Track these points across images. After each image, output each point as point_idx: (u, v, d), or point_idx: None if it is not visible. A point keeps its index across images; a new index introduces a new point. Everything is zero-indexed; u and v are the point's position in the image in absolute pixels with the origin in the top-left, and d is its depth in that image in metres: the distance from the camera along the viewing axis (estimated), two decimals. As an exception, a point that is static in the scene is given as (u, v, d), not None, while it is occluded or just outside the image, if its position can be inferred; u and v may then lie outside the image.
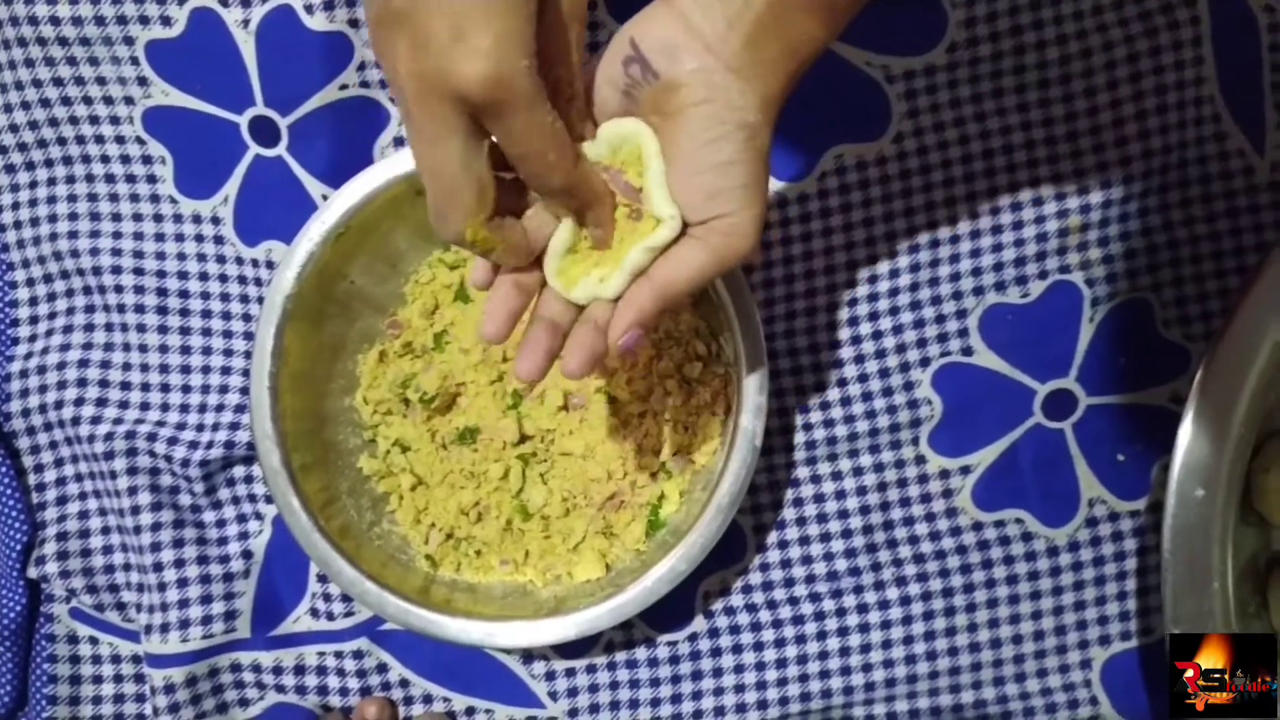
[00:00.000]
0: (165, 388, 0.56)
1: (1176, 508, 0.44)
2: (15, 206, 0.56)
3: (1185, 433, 0.45)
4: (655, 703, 0.55)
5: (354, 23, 0.53)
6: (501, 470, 0.53)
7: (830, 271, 0.55)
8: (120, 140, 0.56)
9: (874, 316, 0.55)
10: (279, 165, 0.55)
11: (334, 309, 0.53)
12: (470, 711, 0.56)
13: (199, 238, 0.56)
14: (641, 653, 0.55)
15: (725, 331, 0.50)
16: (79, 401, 0.55)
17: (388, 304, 0.55)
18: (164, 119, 0.55)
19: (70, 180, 0.56)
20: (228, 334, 0.56)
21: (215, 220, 0.56)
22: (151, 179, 0.56)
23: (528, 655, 0.55)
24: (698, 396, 0.53)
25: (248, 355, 0.55)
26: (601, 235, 0.39)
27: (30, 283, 0.57)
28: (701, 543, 0.48)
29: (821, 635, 0.54)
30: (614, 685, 0.55)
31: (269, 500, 0.55)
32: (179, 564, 0.54)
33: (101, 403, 0.56)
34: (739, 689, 0.55)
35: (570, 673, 0.55)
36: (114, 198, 0.56)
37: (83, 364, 0.56)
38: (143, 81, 0.55)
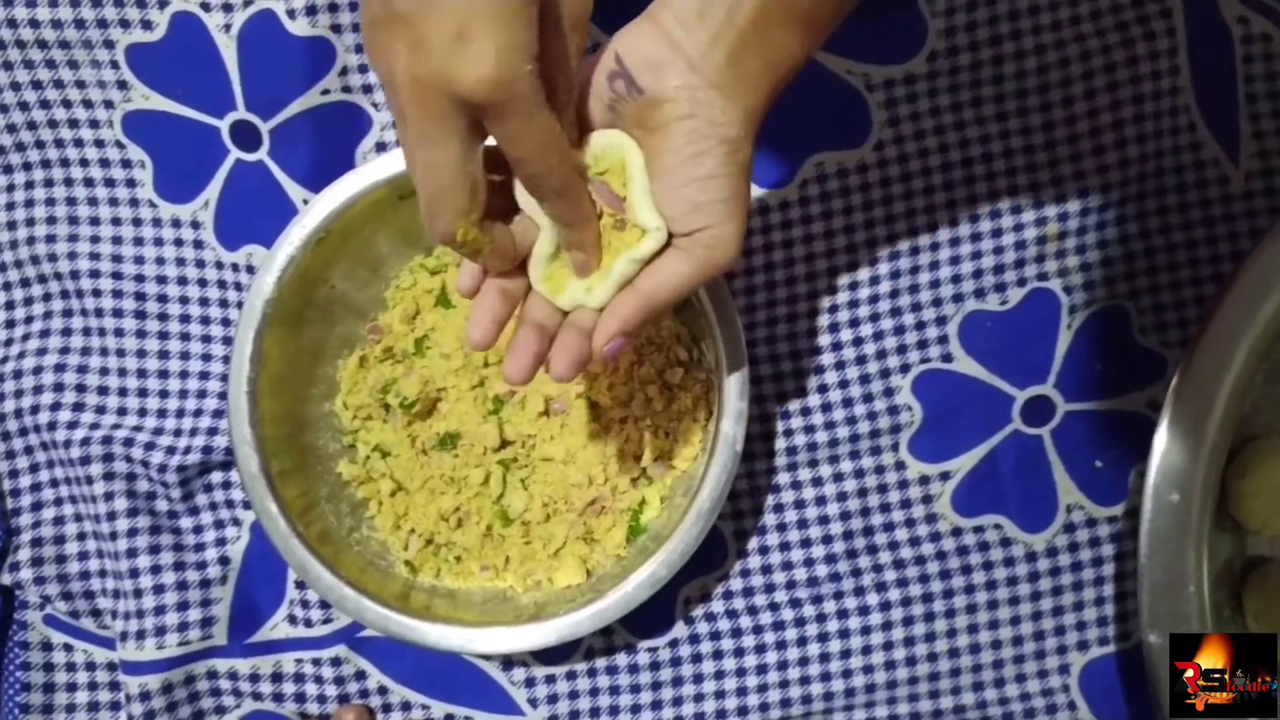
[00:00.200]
0: (143, 393, 0.56)
1: (1153, 513, 0.45)
2: (-7, 210, 0.56)
3: (1161, 439, 0.45)
4: (636, 709, 0.55)
5: (336, 28, 0.53)
6: (482, 476, 0.53)
7: (811, 278, 0.55)
8: (100, 144, 0.56)
9: (854, 323, 0.55)
10: (260, 170, 0.55)
11: (314, 314, 0.53)
12: (449, 719, 0.55)
13: (179, 242, 0.56)
14: (622, 659, 0.55)
15: (707, 337, 0.50)
16: (55, 406, 0.55)
17: (369, 309, 0.55)
18: (144, 123, 0.55)
19: (49, 184, 0.56)
20: (206, 339, 0.56)
21: (195, 225, 0.56)
22: (131, 183, 0.56)
23: (507, 662, 0.55)
24: (679, 402, 0.53)
25: (226, 360, 0.54)
26: (584, 261, 0.39)
27: (7, 286, 0.56)
28: (682, 548, 0.48)
29: (802, 641, 0.54)
30: (594, 692, 0.55)
31: (247, 506, 0.55)
32: (155, 570, 0.54)
33: (78, 408, 0.55)
34: (720, 695, 0.55)
35: (550, 679, 0.55)
36: (93, 201, 0.56)
37: (60, 369, 0.55)
38: (123, 85, 0.55)
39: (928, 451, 0.55)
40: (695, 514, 0.48)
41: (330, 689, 0.55)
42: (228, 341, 0.55)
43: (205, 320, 0.56)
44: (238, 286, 0.55)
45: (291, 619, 0.55)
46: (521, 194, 0.39)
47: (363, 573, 0.51)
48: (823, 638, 0.54)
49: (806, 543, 0.55)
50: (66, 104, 0.55)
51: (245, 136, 0.55)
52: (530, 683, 0.55)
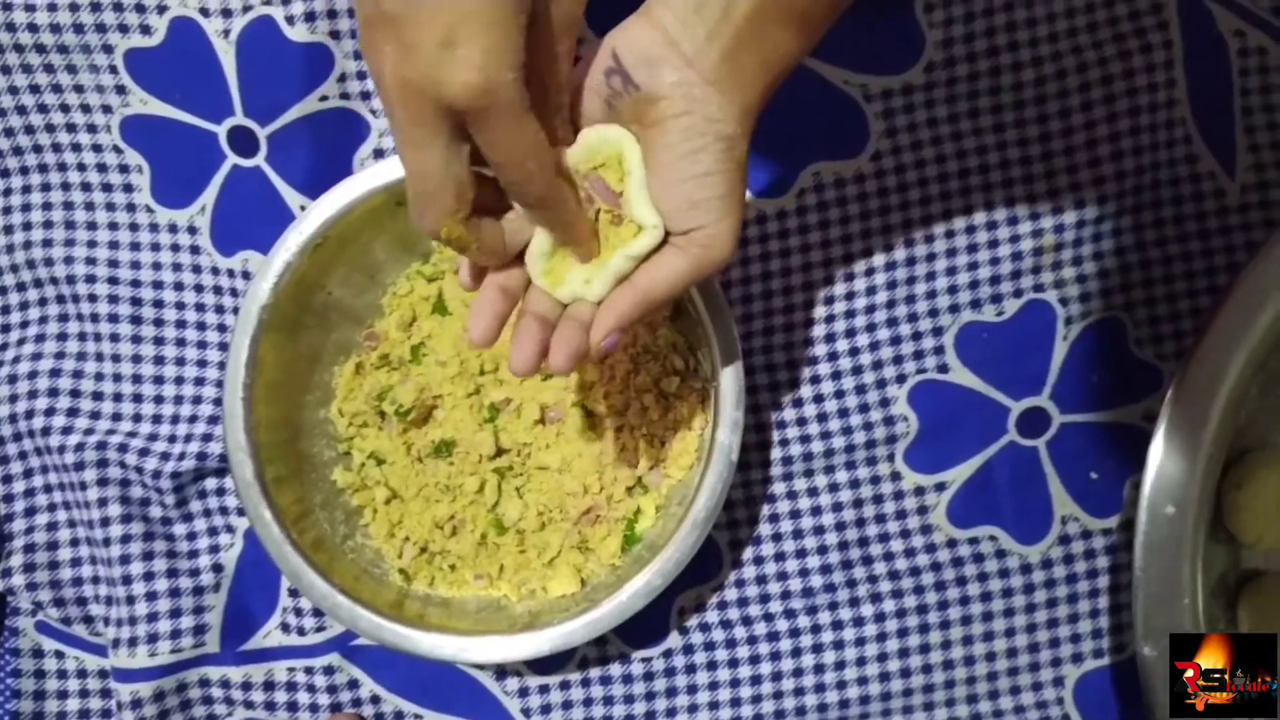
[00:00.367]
0: (138, 398, 0.55)
1: (1148, 525, 0.45)
2: (-11, 214, 0.56)
3: (1157, 450, 0.45)
4: None
5: (335, 34, 0.53)
6: (477, 484, 0.53)
7: (808, 288, 0.55)
8: (97, 149, 0.55)
9: (851, 333, 0.55)
10: (257, 175, 0.55)
11: (311, 320, 0.52)
12: (443, 728, 0.55)
13: (175, 247, 0.56)
14: (616, 669, 0.55)
15: (703, 347, 0.50)
16: (50, 411, 0.55)
17: (365, 315, 0.55)
18: (142, 128, 0.55)
19: (46, 188, 0.56)
20: (202, 344, 0.55)
21: (192, 230, 0.55)
22: (128, 188, 0.56)
23: (501, 671, 0.55)
24: (675, 411, 0.53)
25: (222, 366, 0.54)
26: (583, 252, 0.39)
27: (3, 291, 0.56)
28: (677, 558, 0.48)
29: (796, 653, 0.54)
30: (588, 702, 0.55)
31: (241, 513, 0.55)
32: (148, 577, 0.54)
33: (73, 413, 0.55)
34: (713, 706, 0.54)
35: (544, 689, 0.55)
36: (90, 206, 0.56)
37: (54, 374, 0.55)
38: (121, 90, 0.55)
39: (923, 462, 0.55)
40: (690, 523, 0.48)
41: (323, 698, 0.55)
42: (223, 348, 0.55)
43: (201, 326, 0.55)
44: (233, 292, 0.55)
45: (284, 627, 0.55)
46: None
47: (356, 581, 0.50)
48: (817, 649, 0.54)
49: (802, 553, 0.55)
50: (64, 108, 0.55)
51: (243, 142, 0.55)
52: (524, 693, 0.55)
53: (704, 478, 0.48)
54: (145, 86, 0.55)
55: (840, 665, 0.54)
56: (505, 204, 0.40)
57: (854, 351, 0.55)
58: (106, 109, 0.55)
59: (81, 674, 0.55)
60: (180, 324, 0.56)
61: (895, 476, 0.55)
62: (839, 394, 0.55)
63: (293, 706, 0.55)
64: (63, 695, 0.55)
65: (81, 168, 0.56)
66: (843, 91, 0.54)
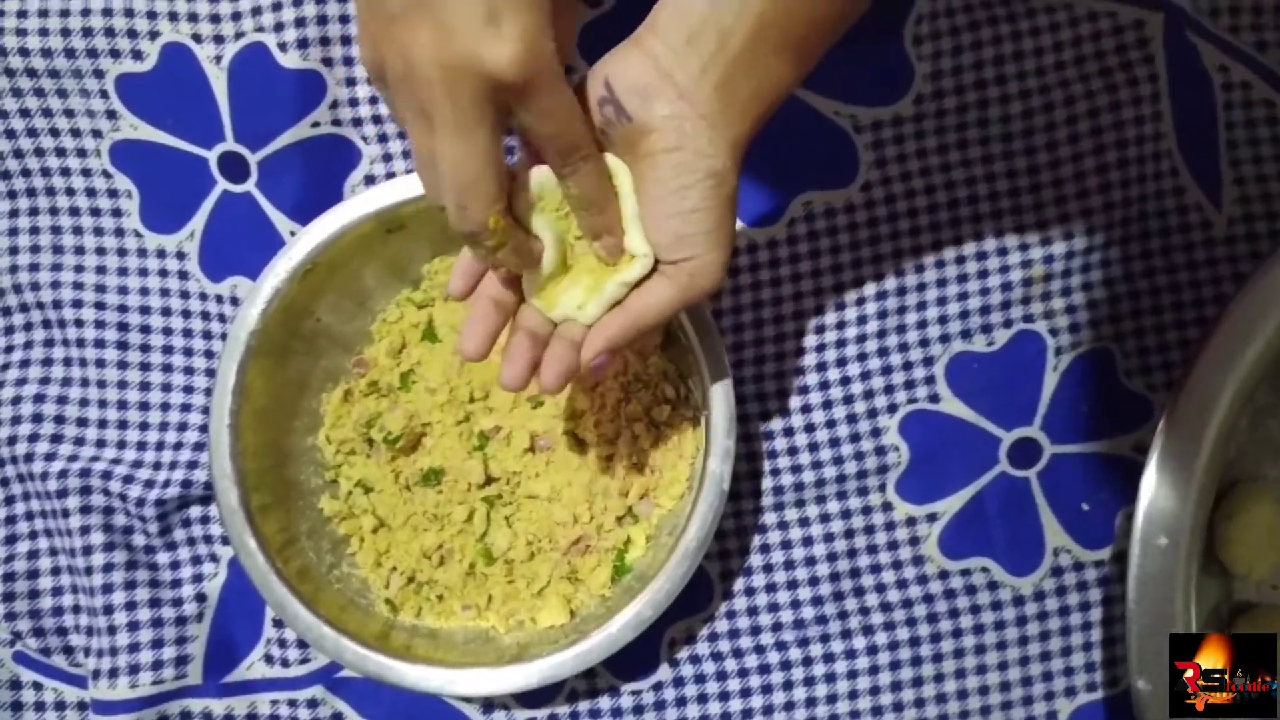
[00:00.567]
0: (123, 425, 0.55)
1: (1141, 557, 0.44)
2: (-25, 238, 0.56)
3: (1149, 482, 0.45)
4: (618, 753, 0.54)
5: (328, 61, 0.53)
6: (466, 513, 0.52)
7: (799, 317, 0.55)
8: (86, 173, 0.55)
9: (842, 363, 0.55)
10: (247, 201, 0.55)
11: (299, 346, 0.52)
12: (428, 762, 0.54)
13: (163, 272, 0.55)
14: (605, 702, 0.54)
15: (694, 375, 0.50)
16: (33, 438, 0.54)
17: (354, 342, 0.54)
18: (132, 152, 0.55)
19: (34, 212, 0.55)
20: (189, 370, 0.55)
21: (180, 255, 0.55)
22: (117, 213, 0.55)
23: (488, 704, 0.54)
24: (666, 440, 0.52)
25: (208, 393, 0.54)
26: (613, 245, 0.40)
27: (-12, 315, 0.56)
28: (668, 589, 0.48)
29: (788, 685, 0.54)
30: (576, 735, 0.54)
31: (225, 541, 0.54)
32: (130, 606, 0.53)
33: (57, 439, 0.54)
34: (704, 739, 0.54)
35: (532, 722, 0.54)
36: (78, 231, 0.55)
37: (39, 399, 0.55)
38: (112, 115, 0.55)
39: (915, 493, 0.54)
40: (681, 554, 0.48)
41: (306, 730, 0.54)
42: (210, 374, 0.55)
43: (188, 352, 0.55)
44: (221, 318, 0.55)
45: (268, 658, 0.54)
46: (527, 209, 0.39)
47: (342, 611, 0.50)
48: (809, 682, 0.54)
49: (793, 584, 0.54)
50: (54, 133, 0.55)
51: (233, 168, 0.55)
52: (511, 725, 0.54)
53: (695, 507, 0.48)
54: (136, 111, 0.55)
55: (832, 698, 0.54)
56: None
57: (845, 381, 0.55)
58: (96, 134, 0.55)
59: (60, 706, 0.54)
60: (167, 350, 0.55)
61: (887, 507, 0.54)
62: (830, 423, 0.55)
63: (275, 740, 0.54)
64: (39, 728, 0.54)
65: (70, 192, 0.55)
66: (833, 122, 0.55)
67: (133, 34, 0.54)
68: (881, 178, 0.55)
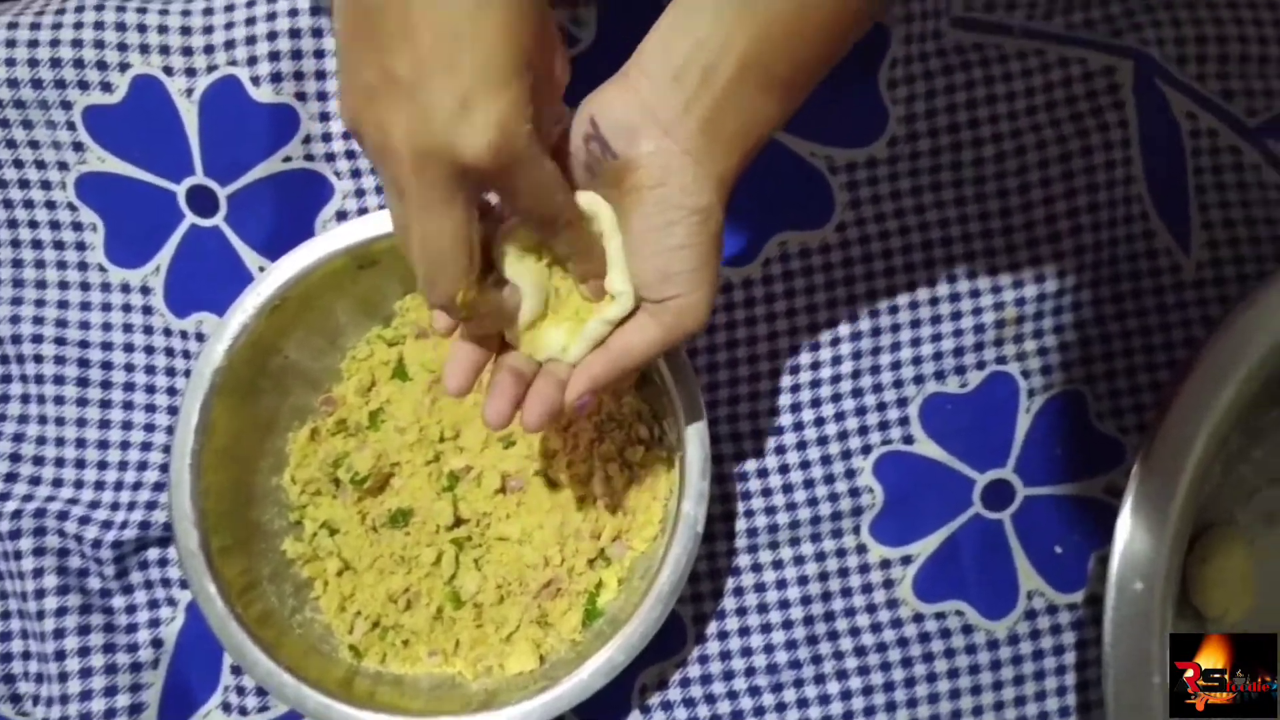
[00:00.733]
0: (80, 464, 0.53)
1: (1117, 601, 0.44)
2: (-68, 270, 0.54)
3: (1124, 525, 0.45)
4: (588, 803, 0.52)
5: (301, 96, 0.53)
6: (434, 555, 0.51)
7: (774, 357, 0.55)
8: (50, 205, 0.54)
9: (816, 403, 0.55)
10: (216, 236, 0.54)
11: (266, 383, 0.51)
12: (392, 813, 0.52)
13: (126, 307, 0.54)
14: (575, 749, 0.53)
15: (668, 415, 0.49)
16: (-13, 476, 0.52)
17: (323, 380, 0.53)
18: (98, 186, 0.54)
19: (-6, 244, 0.54)
20: (150, 408, 0.54)
21: (145, 290, 0.54)
22: (81, 246, 0.54)
23: (455, 752, 0.52)
24: (639, 481, 0.52)
25: (170, 431, 0.53)
26: (598, 287, 0.40)
27: (-57, 349, 0.54)
28: (640, 632, 0.47)
29: (762, 731, 0.53)
30: (545, 784, 0.52)
31: (184, 585, 0.52)
32: (83, 652, 0.51)
33: (11, 478, 0.53)
34: (676, 788, 0.52)
35: (499, 771, 0.52)
36: (40, 264, 0.54)
37: (-6, 436, 0.53)
38: (78, 147, 0.54)
39: (889, 534, 0.54)
40: (654, 597, 0.47)
41: (265, 781, 0.52)
42: (173, 412, 0.53)
43: (150, 389, 0.54)
44: (186, 355, 0.54)
45: (225, 706, 0.52)
46: (508, 260, 0.39)
47: (304, 657, 0.48)
48: (783, 728, 0.53)
49: (767, 628, 0.53)
50: (18, 164, 0.54)
51: (202, 202, 0.54)
52: (478, 774, 0.52)
53: (668, 550, 0.47)
54: (104, 144, 0.54)
55: (807, 746, 0.53)
56: (488, 271, 0.40)
57: (819, 422, 0.54)
58: (62, 165, 0.54)
59: (6, 756, 0.52)
60: (128, 386, 0.54)
61: (861, 549, 0.54)
62: (804, 465, 0.54)
63: (232, 791, 0.52)
64: (-16, 780, 0.52)
65: (33, 225, 0.54)
66: (809, 163, 0.55)
67: (102, 65, 0.53)
68: (856, 219, 0.55)
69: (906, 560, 0.54)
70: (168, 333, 0.54)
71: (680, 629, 0.53)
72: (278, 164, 0.53)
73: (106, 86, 0.53)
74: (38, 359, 0.53)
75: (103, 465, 0.53)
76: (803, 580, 0.54)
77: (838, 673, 0.53)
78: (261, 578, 0.50)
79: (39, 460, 0.53)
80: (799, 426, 0.54)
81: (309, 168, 0.54)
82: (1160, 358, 0.56)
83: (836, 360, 0.55)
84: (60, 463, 0.53)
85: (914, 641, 0.53)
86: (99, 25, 0.53)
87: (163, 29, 0.53)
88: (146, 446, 0.54)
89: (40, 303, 0.54)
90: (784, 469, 0.54)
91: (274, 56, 0.53)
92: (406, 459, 0.52)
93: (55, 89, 0.53)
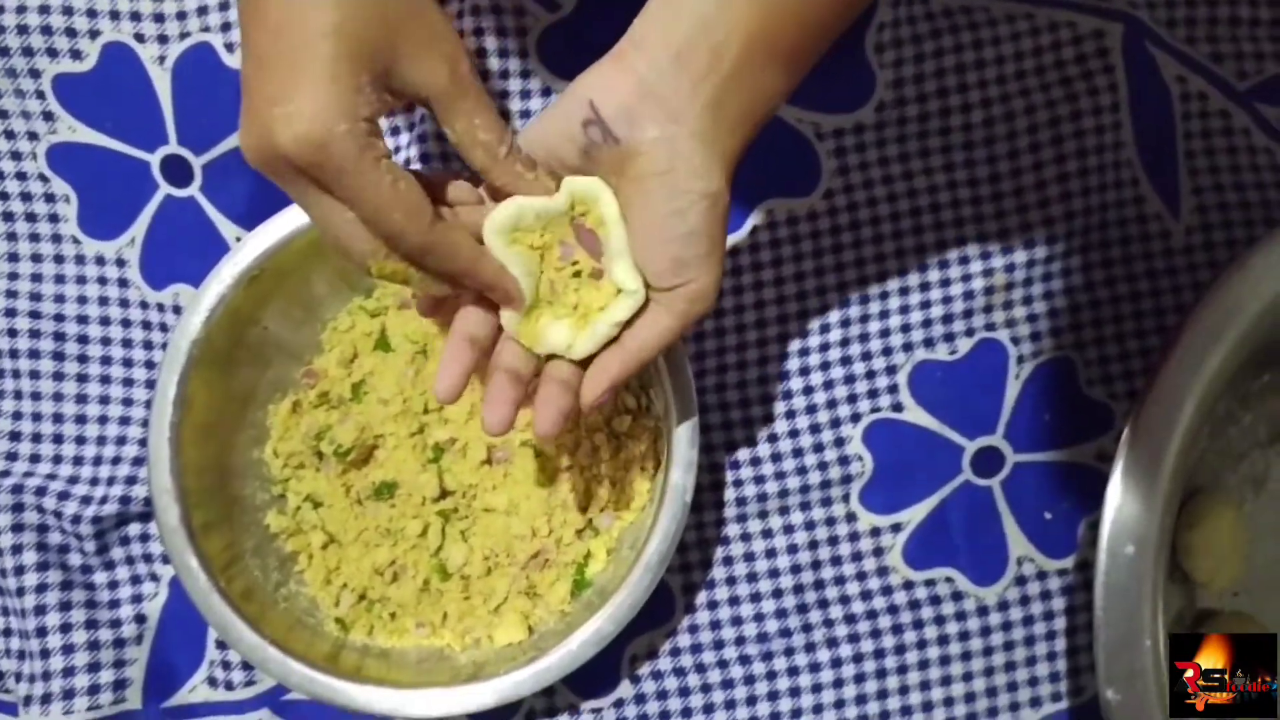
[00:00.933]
0: (58, 439, 0.53)
1: (1108, 565, 0.44)
2: (-99, 243, 0.53)
3: (1115, 490, 0.45)
4: (578, 774, 0.52)
5: (276, 62, 0.52)
6: (420, 527, 0.51)
7: (761, 325, 0.54)
8: (21, 176, 0.53)
9: (805, 371, 0.54)
10: (191, 206, 0.53)
11: (245, 356, 0.50)
12: (381, 787, 0.52)
13: (102, 280, 0.53)
14: (564, 721, 0.52)
15: (655, 385, 0.49)
16: (-38, 453, 0.52)
17: (303, 351, 0.53)
18: (70, 156, 0.53)
19: (-35, 218, 0.53)
20: (128, 382, 0.53)
21: (120, 262, 0.53)
22: (53, 218, 0.53)
23: (444, 725, 0.52)
24: (627, 451, 0.51)
25: (148, 405, 0.52)
26: (513, 315, 0.38)
27: (-85, 324, 0.53)
28: (629, 603, 0.46)
29: (751, 700, 0.53)
30: (535, 756, 0.52)
31: (166, 560, 0.52)
32: (65, 629, 0.50)
33: (-13, 453, 0.52)
34: (666, 758, 0.52)
35: (489, 743, 0.52)
36: (12, 236, 0.53)
37: (-32, 412, 0.52)
38: (48, 116, 0.52)
39: (879, 502, 0.54)
40: (643, 567, 0.47)
41: (252, 756, 0.52)
42: (150, 385, 0.53)
43: (128, 363, 0.53)
44: (163, 327, 0.53)
45: (211, 681, 0.52)
46: (494, 246, 0.38)
47: (289, 631, 0.48)
48: (773, 696, 0.53)
49: (756, 597, 0.53)
50: (-14, 134, 0.53)
51: (176, 172, 0.53)
52: (467, 747, 0.52)
53: (657, 520, 0.47)
54: (74, 113, 0.52)
55: (797, 713, 0.53)
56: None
57: (808, 390, 0.54)
58: (32, 135, 0.53)
59: (-12, 735, 0.52)
60: (105, 360, 0.53)
61: (851, 517, 0.54)
62: (793, 433, 0.54)
63: (219, 767, 0.52)
64: (-33, 759, 0.51)
65: (4, 196, 0.53)
66: (796, 130, 0.54)
67: (71, 33, 0.52)
68: (844, 185, 0.55)
69: (896, 528, 0.54)
70: (144, 305, 0.53)
71: (669, 599, 0.53)
72: (255, 132, 0.52)
73: (76, 54, 0.52)
74: (12, 332, 0.52)
75: (80, 440, 0.53)
76: (792, 549, 0.53)
77: (828, 641, 0.53)
78: (244, 552, 0.50)
79: (15, 436, 0.52)
80: (787, 395, 0.54)
81: (287, 136, 0.53)
82: (1150, 323, 0.55)
83: (825, 328, 0.54)
84: (37, 438, 0.52)
85: (904, 609, 0.53)
86: (67, -11, 0.51)
87: (133, -7, 0.52)
88: (125, 421, 0.53)
89: (13, 276, 0.53)
90: (773, 438, 0.54)
91: (248, 21, 0.51)
92: (390, 431, 0.51)
93: (23, 56, 0.52)
